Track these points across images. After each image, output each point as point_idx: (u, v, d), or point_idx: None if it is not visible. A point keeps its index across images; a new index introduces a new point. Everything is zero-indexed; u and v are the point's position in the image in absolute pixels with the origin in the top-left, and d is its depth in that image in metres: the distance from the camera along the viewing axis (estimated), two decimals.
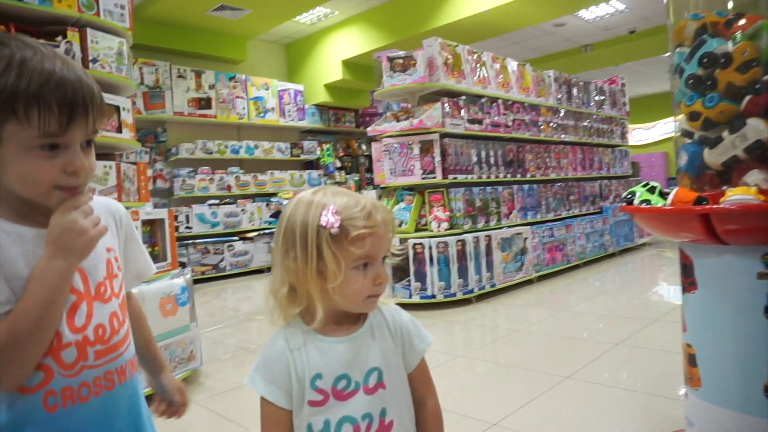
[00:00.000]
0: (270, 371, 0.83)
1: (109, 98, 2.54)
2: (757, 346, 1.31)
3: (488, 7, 6.06)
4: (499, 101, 4.77)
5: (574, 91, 6.00)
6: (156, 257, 2.66)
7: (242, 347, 3.38)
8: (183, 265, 5.68)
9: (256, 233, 6.63)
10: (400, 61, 4.20)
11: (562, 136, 5.66)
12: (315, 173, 7.68)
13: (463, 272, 4.10)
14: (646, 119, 14.22)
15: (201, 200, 6.51)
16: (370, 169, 8.47)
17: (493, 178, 4.64)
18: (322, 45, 8.02)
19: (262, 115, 7.28)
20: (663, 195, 1.52)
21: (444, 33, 5.39)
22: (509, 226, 4.69)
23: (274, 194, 7.14)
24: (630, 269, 5.67)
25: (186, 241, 6.09)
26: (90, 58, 2.45)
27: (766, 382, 1.30)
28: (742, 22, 1.38)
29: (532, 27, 7.54)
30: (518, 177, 4.95)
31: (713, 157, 1.43)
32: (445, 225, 4.13)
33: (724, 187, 1.38)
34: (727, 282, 1.37)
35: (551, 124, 5.49)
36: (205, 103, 6.66)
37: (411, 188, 4.30)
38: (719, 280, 1.40)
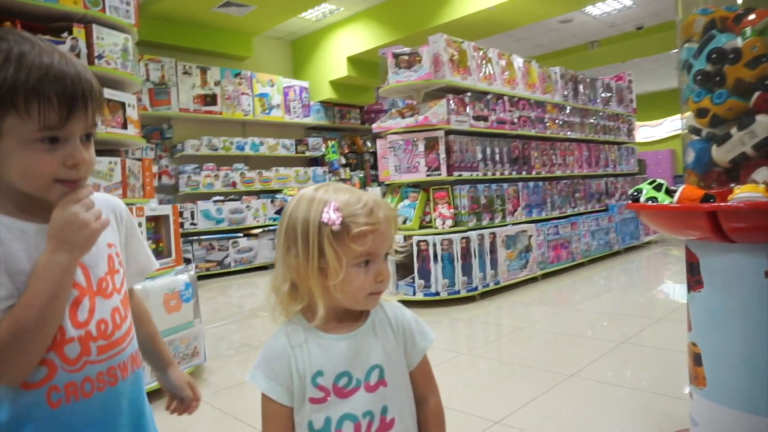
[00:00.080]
0: (271, 368, 0.83)
1: (114, 94, 2.55)
2: (763, 346, 1.29)
3: (495, 3, 6.03)
4: (505, 98, 4.75)
5: (581, 87, 5.97)
6: (160, 253, 2.67)
7: (246, 344, 3.39)
8: (187, 261, 5.70)
9: (260, 230, 6.65)
10: (406, 57, 4.18)
11: (568, 133, 5.63)
12: (320, 170, 7.68)
13: (467, 270, 4.09)
14: (653, 116, 14.12)
15: (206, 197, 6.53)
16: (375, 166, 8.45)
17: (498, 176, 4.62)
18: (328, 41, 8.01)
19: (267, 111, 7.28)
20: (670, 192, 1.50)
21: (450, 29, 5.38)
22: (514, 224, 4.68)
23: (278, 191, 7.15)
24: (635, 267, 5.64)
25: (191, 238, 6.11)
26: (95, 54, 2.45)
27: None
28: (751, 16, 1.36)
29: (538, 23, 7.49)
30: (523, 174, 4.93)
31: (721, 155, 1.41)
32: (449, 222, 4.11)
33: (732, 185, 1.36)
34: (734, 281, 1.36)
35: (557, 121, 5.46)
36: (210, 99, 6.67)
37: (416, 185, 4.29)
38: (726, 278, 1.38)
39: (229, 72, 6.88)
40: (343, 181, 8.23)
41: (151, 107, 6.16)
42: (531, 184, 5.00)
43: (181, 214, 6.02)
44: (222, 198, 6.56)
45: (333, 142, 8.27)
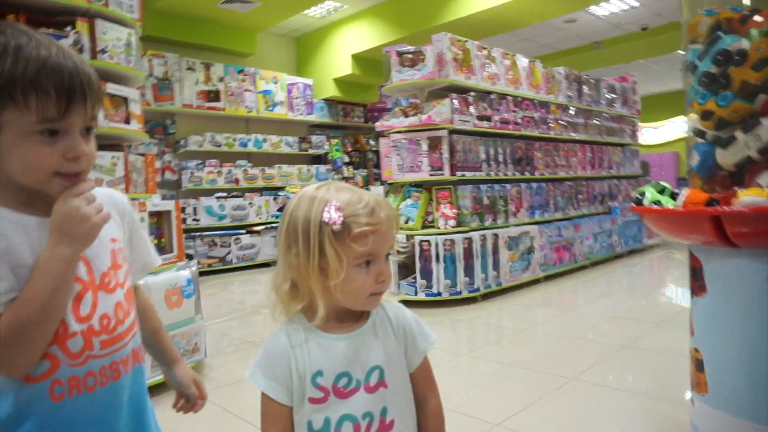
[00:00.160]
0: (271, 367, 0.83)
1: (117, 89, 2.54)
2: (766, 353, 1.28)
3: (501, 1, 6.01)
4: (509, 98, 4.73)
5: (585, 88, 5.94)
6: (163, 249, 2.67)
7: (247, 340, 3.39)
8: (190, 257, 5.72)
9: (263, 227, 6.66)
10: (410, 55, 4.17)
11: (572, 134, 5.61)
12: (323, 168, 7.68)
13: (469, 270, 4.08)
14: (657, 118, 14.07)
15: (209, 193, 6.53)
16: (378, 165, 8.45)
17: (501, 176, 4.61)
18: (332, 39, 8.00)
19: (270, 108, 7.28)
20: (673, 196, 1.49)
21: (454, 28, 5.36)
22: (517, 225, 4.66)
23: (281, 188, 7.15)
24: (638, 271, 5.62)
25: (193, 234, 6.12)
26: (98, 48, 2.45)
27: None
28: (757, 18, 1.35)
29: (542, 23, 7.48)
30: (526, 175, 4.91)
31: (726, 158, 1.40)
32: (452, 222, 4.11)
33: (736, 189, 1.35)
34: (737, 286, 1.35)
35: (561, 122, 5.44)
36: (214, 95, 6.67)
37: (418, 185, 4.28)
38: (729, 283, 1.37)
39: (233, 68, 6.88)
40: (346, 179, 8.23)
41: (154, 103, 6.16)
42: (534, 185, 4.98)
43: (183, 209, 6.03)
44: (225, 194, 6.57)
45: (336, 140, 8.26)
